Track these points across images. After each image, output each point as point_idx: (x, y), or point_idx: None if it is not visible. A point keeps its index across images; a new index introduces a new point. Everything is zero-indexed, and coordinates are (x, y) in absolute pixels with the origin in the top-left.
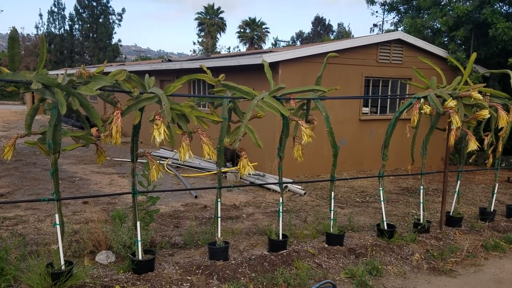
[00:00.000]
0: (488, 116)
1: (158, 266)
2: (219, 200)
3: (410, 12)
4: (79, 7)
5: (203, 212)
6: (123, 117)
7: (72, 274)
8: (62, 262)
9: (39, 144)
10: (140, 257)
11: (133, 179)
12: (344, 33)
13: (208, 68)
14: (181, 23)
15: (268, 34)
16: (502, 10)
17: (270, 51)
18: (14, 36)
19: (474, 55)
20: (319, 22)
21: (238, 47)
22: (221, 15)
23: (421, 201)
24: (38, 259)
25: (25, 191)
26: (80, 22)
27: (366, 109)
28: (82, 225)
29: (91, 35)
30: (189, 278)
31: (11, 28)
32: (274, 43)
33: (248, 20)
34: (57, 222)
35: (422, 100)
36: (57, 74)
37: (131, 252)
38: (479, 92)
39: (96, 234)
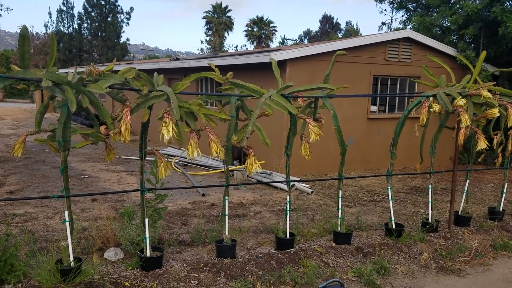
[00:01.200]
0: (498, 115)
1: (166, 263)
2: (226, 198)
3: (419, 10)
4: (87, 6)
5: (210, 210)
6: (131, 115)
7: (81, 270)
8: (71, 258)
9: (49, 142)
10: (148, 254)
11: (142, 177)
12: (352, 32)
13: (216, 66)
14: (188, 22)
15: (276, 32)
16: None
17: (278, 50)
18: (24, 34)
19: (483, 54)
20: (327, 20)
21: (245, 45)
22: (228, 14)
23: (430, 200)
24: (48, 255)
25: (34, 189)
26: (88, 21)
27: (374, 108)
28: (91, 222)
29: (99, 33)
30: (197, 275)
31: (21, 26)
32: (281, 41)
33: (256, 18)
34: (67, 219)
35: (431, 98)
36: (66, 72)
37: (140, 249)
38: (489, 90)
39: (105, 231)
